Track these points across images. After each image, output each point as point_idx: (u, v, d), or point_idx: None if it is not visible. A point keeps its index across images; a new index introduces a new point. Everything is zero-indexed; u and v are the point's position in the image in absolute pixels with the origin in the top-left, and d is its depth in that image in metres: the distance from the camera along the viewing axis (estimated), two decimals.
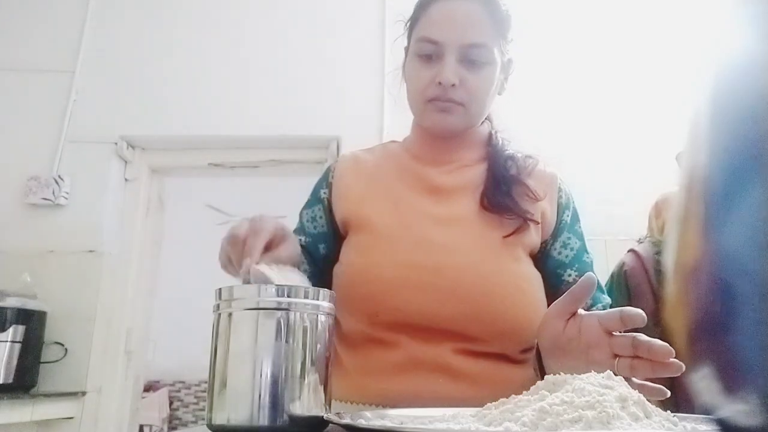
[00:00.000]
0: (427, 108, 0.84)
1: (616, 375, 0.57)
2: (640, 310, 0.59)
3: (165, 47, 2.74)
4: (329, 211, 0.90)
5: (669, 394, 0.57)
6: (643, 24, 2.69)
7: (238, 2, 2.81)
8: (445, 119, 0.84)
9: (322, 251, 0.89)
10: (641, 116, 2.58)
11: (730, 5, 0.24)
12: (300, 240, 0.87)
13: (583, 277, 0.64)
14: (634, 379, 0.58)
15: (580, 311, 0.65)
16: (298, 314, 0.49)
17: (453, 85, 0.80)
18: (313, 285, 0.85)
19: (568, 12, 2.74)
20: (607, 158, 2.53)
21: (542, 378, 0.69)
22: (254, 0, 2.81)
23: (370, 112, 2.59)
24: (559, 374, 0.47)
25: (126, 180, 2.65)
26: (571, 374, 0.46)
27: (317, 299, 0.51)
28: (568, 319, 0.65)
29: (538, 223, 0.83)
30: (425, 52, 0.83)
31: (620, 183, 2.49)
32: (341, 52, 2.72)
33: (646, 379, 0.58)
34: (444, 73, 0.80)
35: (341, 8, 2.78)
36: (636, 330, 0.59)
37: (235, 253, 0.66)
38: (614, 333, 0.61)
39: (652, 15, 2.68)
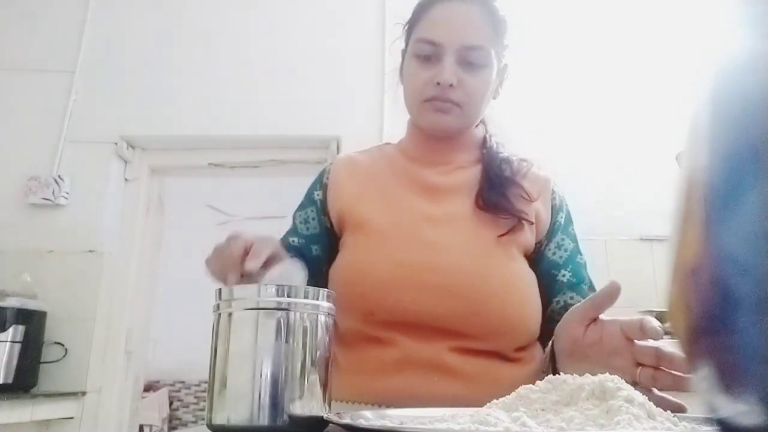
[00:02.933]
0: (424, 107, 0.85)
1: (638, 383, 0.56)
2: (658, 326, 0.58)
3: (165, 47, 2.74)
4: (323, 212, 0.90)
5: (689, 410, 0.57)
6: (644, 23, 2.68)
7: (238, 2, 2.81)
8: (442, 119, 0.85)
9: (315, 252, 0.89)
10: (641, 116, 2.58)
11: (730, 5, 0.24)
12: (293, 241, 0.89)
13: (607, 284, 0.63)
14: (654, 390, 0.58)
15: (602, 317, 0.65)
16: (298, 314, 0.49)
17: (451, 85, 0.81)
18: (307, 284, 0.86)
19: (568, 12, 2.74)
20: (606, 158, 2.53)
21: None
22: (255, 0, 2.81)
23: (370, 112, 2.59)
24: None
25: (126, 180, 2.65)
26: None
27: (317, 299, 0.51)
28: (588, 325, 0.65)
29: (532, 223, 0.84)
30: (424, 53, 0.83)
31: (620, 183, 2.49)
32: (341, 52, 2.72)
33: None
34: (443, 74, 0.81)
35: (341, 8, 2.78)
36: None
37: (231, 257, 0.64)
38: (636, 341, 0.60)
39: (653, 14, 2.68)
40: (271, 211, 5.08)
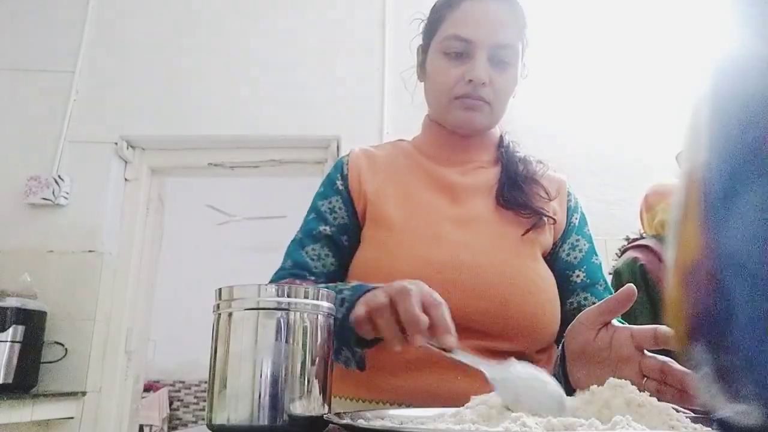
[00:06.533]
0: (454, 105, 0.84)
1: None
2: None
3: (165, 47, 2.74)
4: (349, 201, 0.88)
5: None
6: (644, 22, 2.68)
7: (238, 3, 2.81)
8: (472, 117, 0.84)
9: (345, 242, 0.86)
10: (641, 116, 2.58)
11: (730, 5, 0.24)
12: (325, 230, 0.85)
13: (622, 289, 0.63)
14: None
15: (614, 322, 0.64)
16: (298, 314, 0.49)
17: (483, 83, 0.81)
18: (340, 279, 0.84)
19: (569, 12, 2.74)
20: (607, 158, 2.53)
21: (564, 382, 0.69)
22: (254, 1, 2.81)
23: (370, 112, 2.59)
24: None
25: (126, 180, 2.65)
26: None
27: (317, 299, 0.51)
28: (600, 329, 0.64)
29: (555, 221, 0.84)
30: (454, 50, 0.83)
31: (620, 183, 2.49)
32: (341, 52, 2.72)
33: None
34: (476, 71, 0.81)
35: (341, 8, 2.78)
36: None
37: (413, 319, 0.55)
38: (646, 352, 0.60)
39: (653, 15, 2.68)
40: (271, 211, 5.09)
